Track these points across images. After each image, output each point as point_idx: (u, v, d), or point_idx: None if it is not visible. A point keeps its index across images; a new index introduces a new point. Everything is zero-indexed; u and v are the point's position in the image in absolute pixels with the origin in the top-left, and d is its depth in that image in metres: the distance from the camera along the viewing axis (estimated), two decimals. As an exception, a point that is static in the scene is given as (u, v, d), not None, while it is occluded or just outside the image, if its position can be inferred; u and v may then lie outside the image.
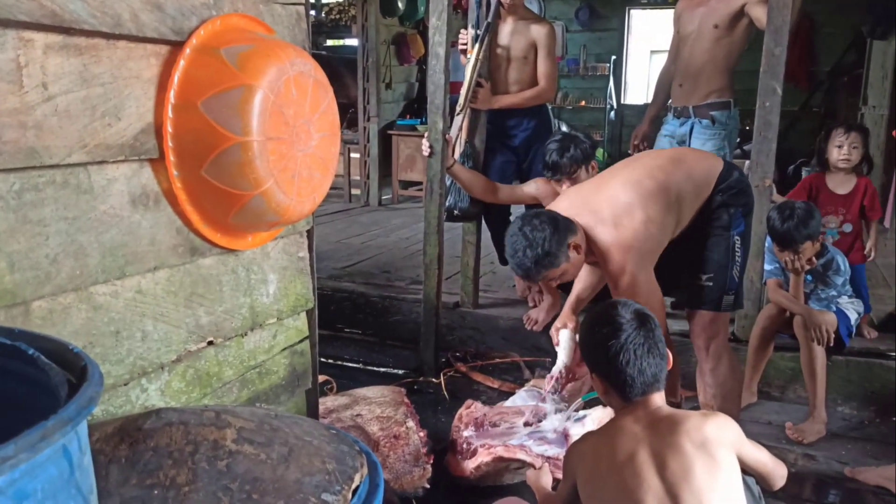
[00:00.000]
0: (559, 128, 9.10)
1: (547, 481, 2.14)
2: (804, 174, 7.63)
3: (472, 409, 2.77)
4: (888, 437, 3.14)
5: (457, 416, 2.78)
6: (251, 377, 1.83)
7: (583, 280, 2.83)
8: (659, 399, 1.76)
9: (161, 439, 1.13)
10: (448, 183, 3.71)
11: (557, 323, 2.73)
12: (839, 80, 8.73)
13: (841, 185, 3.41)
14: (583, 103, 9.68)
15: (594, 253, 2.50)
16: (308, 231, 2.02)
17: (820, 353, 3.07)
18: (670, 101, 4.16)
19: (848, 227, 3.46)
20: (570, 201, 2.63)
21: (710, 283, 2.56)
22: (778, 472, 1.80)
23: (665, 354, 1.78)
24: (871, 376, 3.35)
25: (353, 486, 1.20)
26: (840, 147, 3.35)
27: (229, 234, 1.68)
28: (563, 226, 2.45)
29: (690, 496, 1.58)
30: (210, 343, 1.67)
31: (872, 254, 3.38)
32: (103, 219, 1.40)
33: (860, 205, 3.42)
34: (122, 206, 1.43)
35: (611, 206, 2.50)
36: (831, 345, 3.08)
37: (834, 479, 2.77)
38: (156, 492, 1.05)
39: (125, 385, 1.44)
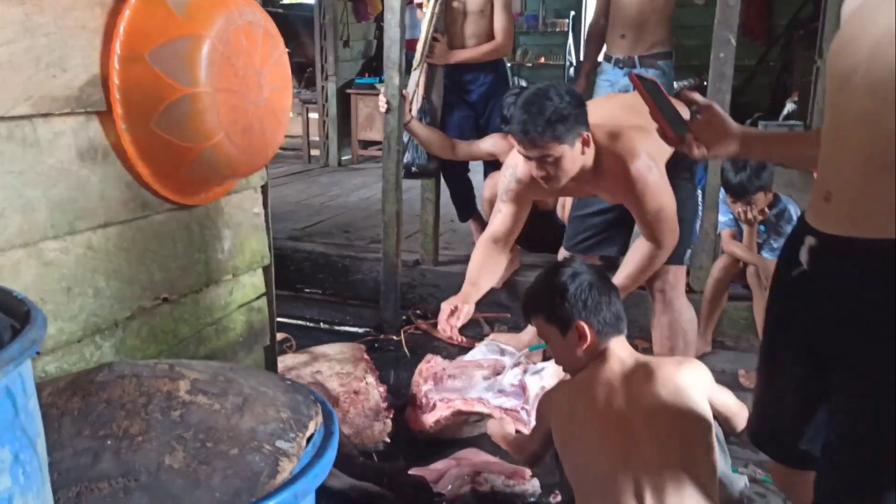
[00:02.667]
0: (517, 84, 9.08)
1: (510, 429, 2.17)
2: (760, 128, 7.75)
3: (432, 363, 2.80)
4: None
5: (417, 370, 2.82)
6: (208, 334, 1.83)
7: (476, 265, 2.79)
8: (625, 344, 1.80)
9: (114, 391, 1.13)
10: (406, 139, 3.69)
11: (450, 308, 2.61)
12: (796, 34, 8.80)
13: None
14: (542, 60, 9.65)
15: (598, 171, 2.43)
16: (263, 187, 2.01)
17: None
18: (605, 52, 4.20)
19: None
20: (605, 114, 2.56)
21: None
22: (741, 416, 1.87)
23: (619, 295, 1.84)
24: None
25: (308, 434, 1.22)
26: None
27: (181, 190, 1.66)
28: (583, 114, 2.33)
29: (665, 443, 1.63)
30: (165, 300, 1.67)
31: None
32: (51, 173, 1.38)
33: None
34: (70, 160, 1.41)
35: (619, 118, 2.48)
36: None
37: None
38: (109, 442, 1.05)
39: (79, 342, 1.44)
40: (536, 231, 2.69)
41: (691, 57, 9.27)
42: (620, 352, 1.77)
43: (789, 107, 8.82)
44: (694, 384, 1.72)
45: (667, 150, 2.33)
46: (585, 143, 2.32)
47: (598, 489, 1.65)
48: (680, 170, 2.56)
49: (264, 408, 1.22)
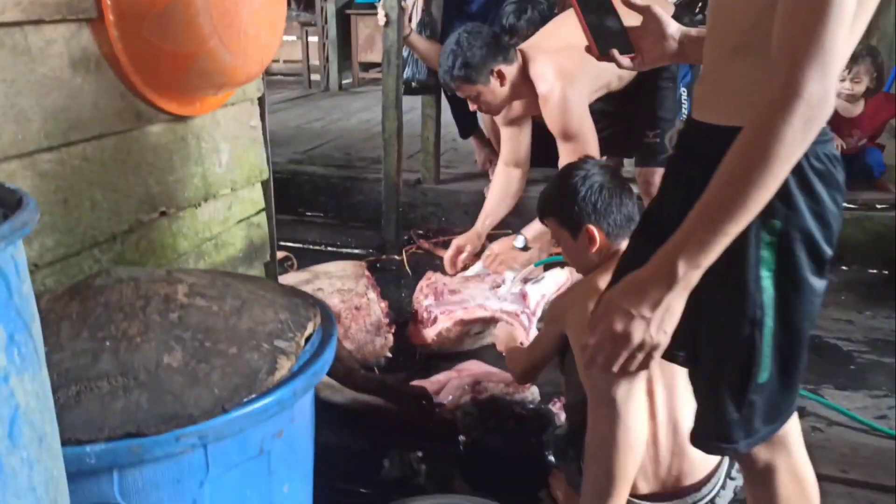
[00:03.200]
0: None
1: (518, 334, 2.18)
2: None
3: (433, 279, 2.81)
4: (835, 284, 3.25)
5: (417, 287, 2.83)
6: (207, 249, 1.83)
7: (493, 196, 2.88)
8: None
9: (112, 295, 1.14)
10: (405, 54, 3.62)
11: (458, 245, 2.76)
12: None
13: (849, 108, 3.36)
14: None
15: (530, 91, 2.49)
16: (259, 98, 1.98)
17: None
18: None
19: (863, 143, 3.43)
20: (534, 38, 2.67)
21: (657, 140, 2.56)
22: None
23: (633, 195, 1.84)
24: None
25: (307, 334, 1.23)
26: (843, 80, 3.28)
27: (176, 99, 1.63)
28: (497, 48, 2.49)
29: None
30: (163, 213, 1.66)
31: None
32: (43, 82, 1.35)
33: (872, 125, 3.36)
34: (63, 68, 1.38)
35: (550, 41, 2.56)
36: None
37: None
38: (107, 343, 1.06)
39: (77, 255, 1.44)
40: (538, 145, 2.67)
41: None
42: None
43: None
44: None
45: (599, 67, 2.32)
46: (499, 76, 2.49)
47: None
48: (659, 70, 2.53)
49: (263, 309, 1.23)
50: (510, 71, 2.51)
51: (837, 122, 3.39)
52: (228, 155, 1.85)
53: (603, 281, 1.74)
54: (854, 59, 3.24)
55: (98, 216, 1.48)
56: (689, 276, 1.02)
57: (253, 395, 1.07)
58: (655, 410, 1.64)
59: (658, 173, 2.62)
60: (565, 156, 2.48)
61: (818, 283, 1.15)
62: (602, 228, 1.78)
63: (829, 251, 1.14)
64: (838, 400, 2.37)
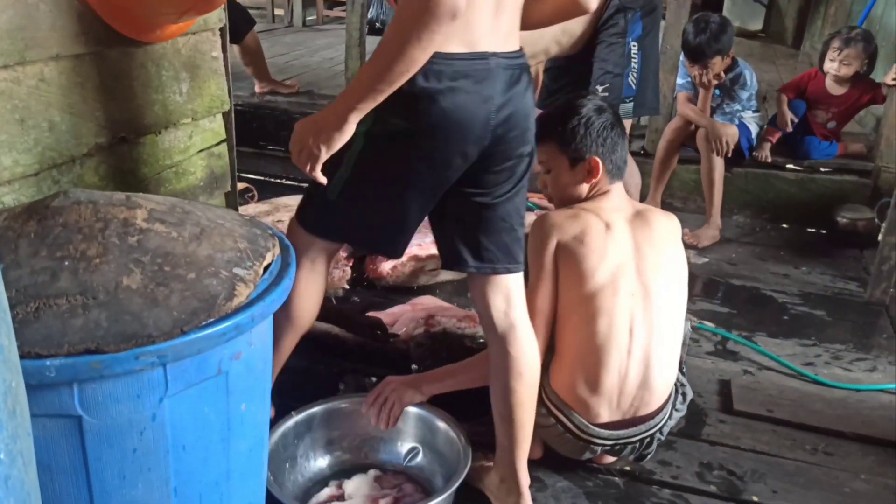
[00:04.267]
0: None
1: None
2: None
3: None
4: (776, 241, 3.38)
5: None
6: (167, 176, 1.81)
7: None
8: (623, 190, 1.84)
9: (70, 216, 1.13)
10: (370, -7, 3.55)
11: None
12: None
13: (835, 87, 3.38)
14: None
15: None
16: (221, 29, 1.93)
17: (719, 163, 3.22)
18: None
19: (832, 125, 3.47)
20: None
21: (606, 94, 2.58)
22: None
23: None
24: (766, 186, 3.52)
25: (265, 263, 1.23)
26: (832, 61, 3.30)
27: (135, 25, 1.59)
28: None
29: (658, 288, 1.71)
30: (123, 139, 1.64)
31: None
32: (-4, -1, 1.30)
33: (849, 107, 3.41)
34: (17, -15, 1.33)
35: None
36: (730, 156, 3.21)
37: (722, 278, 2.98)
38: (66, 263, 1.06)
39: (35, 175, 1.41)
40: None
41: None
42: (621, 195, 1.82)
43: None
44: (677, 234, 1.82)
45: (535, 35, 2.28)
46: None
47: (592, 316, 1.69)
48: (608, 25, 2.56)
49: (222, 238, 1.23)
50: None
51: (816, 95, 3.44)
52: (189, 84, 1.82)
53: (602, 213, 1.75)
54: (847, 42, 3.26)
55: (56, 138, 1.45)
56: (353, 119, 1.31)
57: (211, 319, 1.09)
58: (633, 346, 1.69)
59: None
60: None
61: None
62: (604, 164, 1.78)
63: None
64: (770, 347, 2.48)
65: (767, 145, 3.41)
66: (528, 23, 1.53)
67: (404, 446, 1.85)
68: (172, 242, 1.16)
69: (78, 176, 1.52)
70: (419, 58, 1.24)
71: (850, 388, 2.25)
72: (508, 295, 1.55)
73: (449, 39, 1.28)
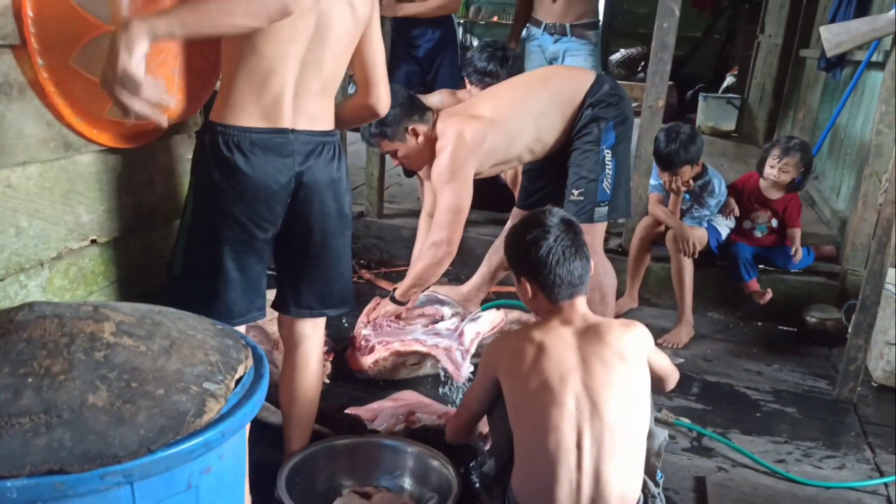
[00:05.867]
0: (470, 42, 9.00)
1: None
2: (700, 100, 7.91)
3: (378, 307, 2.81)
4: (748, 338, 3.41)
5: (363, 312, 2.83)
6: (142, 277, 1.80)
7: (418, 246, 2.96)
8: (583, 304, 1.83)
9: (34, 331, 1.11)
10: (351, 92, 3.64)
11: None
12: (741, 7, 8.87)
13: (771, 191, 3.51)
14: (495, 18, 9.59)
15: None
16: (198, 132, 1.96)
17: (688, 264, 3.28)
18: (536, 15, 4.14)
19: (775, 223, 3.59)
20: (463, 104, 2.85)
21: (582, 198, 2.65)
22: (674, 377, 1.97)
23: (589, 258, 1.84)
24: (739, 286, 3.57)
25: (237, 376, 1.22)
26: (772, 167, 3.44)
27: (107, 131, 1.60)
28: (412, 108, 2.64)
29: (608, 403, 1.69)
30: (94, 241, 1.63)
31: (798, 255, 3.47)
32: (-38, 107, 1.32)
33: (782, 211, 3.54)
34: (-17, 95, 1.35)
35: (468, 109, 2.72)
36: (695, 257, 3.28)
37: (697, 375, 2.99)
38: (30, 380, 1.04)
39: (1, 280, 1.40)
40: (478, 191, 2.74)
41: (639, 25, 9.31)
42: (573, 311, 1.80)
43: (729, 80, 9.00)
44: (637, 346, 1.79)
45: (507, 143, 2.65)
46: (414, 134, 2.64)
47: (540, 432, 1.69)
48: (582, 134, 2.66)
49: (192, 350, 1.21)
50: (424, 129, 2.64)
51: (755, 198, 3.55)
52: (164, 187, 1.83)
53: (540, 332, 1.78)
54: (786, 151, 3.40)
55: (24, 242, 1.44)
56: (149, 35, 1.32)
57: (180, 437, 1.06)
58: (582, 462, 1.67)
59: (584, 228, 2.70)
60: (436, 222, 2.63)
61: None
62: (538, 285, 1.80)
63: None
64: (743, 443, 2.47)
65: (759, 295, 3.47)
66: (337, 123, 1.80)
67: (406, 481, 2.02)
68: (141, 357, 1.14)
69: (46, 279, 1.50)
70: (231, 24, 1.41)
71: (819, 485, 2.27)
72: (317, 328, 1.92)
73: (252, 115, 1.58)
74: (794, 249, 3.45)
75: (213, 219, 1.62)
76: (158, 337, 1.20)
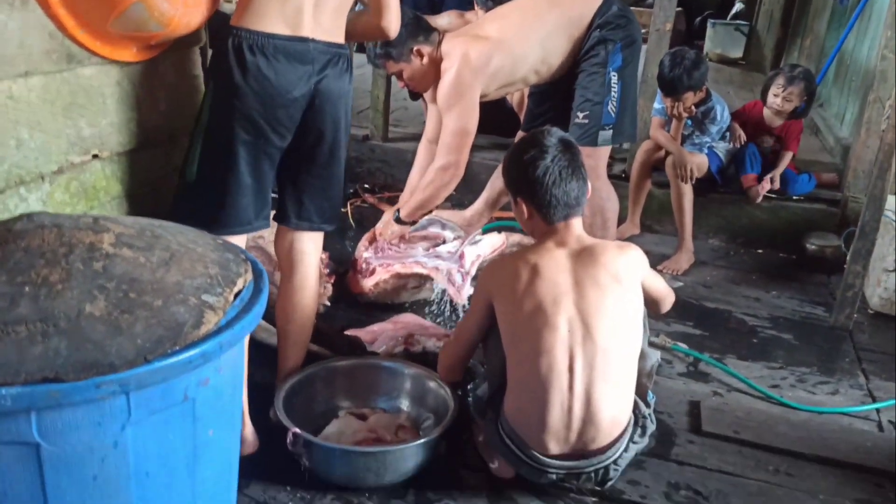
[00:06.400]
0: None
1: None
2: (709, 26, 7.66)
3: (383, 228, 2.77)
4: (748, 265, 3.38)
5: (364, 237, 2.80)
6: (142, 194, 1.75)
7: (415, 172, 2.88)
8: (578, 225, 1.78)
9: (33, 240, 1.07)
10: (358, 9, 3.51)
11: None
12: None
13: (774, 119, 3.43)
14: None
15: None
16: (201, 48, 1.89)
17: (687, 190, 3.23)
18: None
19: (775, 147, 3.51)
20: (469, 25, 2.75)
21: (587, 121, 2.58)
22: (669, 299, 1.94)
23: (587, 180, 1.78)
24: (740, 213, 3.53)
25: (236, 290, 1.19)
26: (776, 95, 3.36)
27: (110, 43, 1.54)
28: (417, 29, 2.54)
29: (600, 326, 1.67)
30: (95, 156, 1.58)
31: (776, 182, 3.39)
32: (-38, 16, 1.25)
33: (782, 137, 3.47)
34: (-17, 3, 1.28)
35: (473, 30, 2.62)
36: (693, 183, 3.23)
37: (696, 301, 2.97)
38: (27, 289, 1.01)
39: (1, 193, 1.36)
40: (483, 115, 2.66)
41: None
42: (568, 233, 1.76)
43: (738, 6, 8.70)
44: (631, 268, 1.76)
45: (512, 64, 2.55)
46: (419, 55, 2.56)
47: (532, 354, 1.68)
48: (589, 56, 2.57)
49: (192, 263, 1.18)
50: (429, 50, 2.56)
51: (756, 125, 3.48)
52: (167, 103, 1.77)
53: (536, 254, 1.75)
54: (791, 80, 3.33)
55: (24, 155, 1.40)
56: None
57: (177, 347, 1.04)
58: (574, 384, 1.66)
59: (587, 151, 2.63)
60: (441, 145, 2.56)
61: None
62: (534, 206, 1.75)
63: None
64: (739, 369, 2.46)
65: (754, 190, 3.41)
66: (347, 36, 1.81)
67: (404, 402, 2.02)
68: (140, 268, 1.11)
69: (47, 193, 1.46)
70: None
71: (812, 410, 2.26)
72: (315, 245, 1.92)
73: (275, 23, 1.60)
74: (775, 172, 3.39)
75: (231, 121, 1.61)
76: (158, 249, 1.17)
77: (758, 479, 1.92)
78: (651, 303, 1.88)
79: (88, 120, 1.54)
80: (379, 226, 2.79)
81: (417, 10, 3.67)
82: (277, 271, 2.39)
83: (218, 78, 1.62)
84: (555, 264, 1.71)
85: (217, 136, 1.63)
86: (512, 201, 1.83)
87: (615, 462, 1.74)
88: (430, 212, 2.84)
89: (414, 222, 2.70)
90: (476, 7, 3.35)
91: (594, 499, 1.80)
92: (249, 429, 1.76)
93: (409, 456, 1.75)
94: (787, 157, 3.41)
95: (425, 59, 2.56)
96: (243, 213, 1.70)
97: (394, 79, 3.92)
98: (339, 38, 1.74)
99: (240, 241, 1.72)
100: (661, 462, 1.96)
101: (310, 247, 1.90)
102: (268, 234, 2.55)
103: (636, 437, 1.79)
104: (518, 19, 2.59)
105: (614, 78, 2.55)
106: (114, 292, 1.05)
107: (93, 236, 1.11)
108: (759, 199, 3.38)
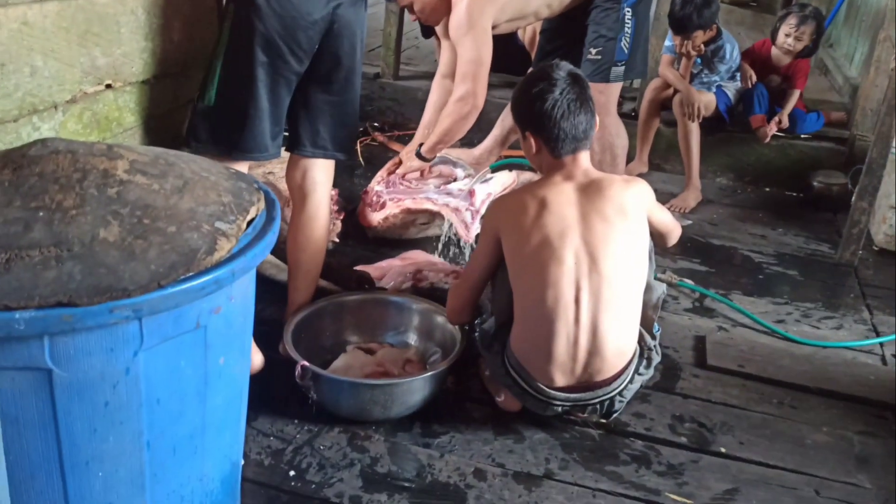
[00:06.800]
0: None
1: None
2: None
3: (403, 163, 2.72)
4: (755, 203, 3.34)
5: (384, 168, 2.74)
6: (154, 126, 1.71)
7: (433, 99, 2.78)
8: (586, 159, 1.74)
9: (47, 166, 1.04)
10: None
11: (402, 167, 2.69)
12: None
13: (782, 58, 3.34)
14: None
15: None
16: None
17: (694, 128, 3.17)
18: None
19: (781, 85, 3.43)
20: None
21: (599, 57, 2.49)
22: (675, 232, 1.90)
23: (595, 113, 1.74)
24: (747, 151, 3.47)
25: (249, 218, 1.16)
26: (787, 35, 3.26)
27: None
28: None
29: (606, 258, 1.64)
30: (108, 86, 1.54)
31: (784, 121, 3.32)
32: (-27, -63, 1.20)
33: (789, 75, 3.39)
34: (-4, -76, 1.23)
35: None
36: (699, 121, 3.17)
37: (702, 238, 2.93)
38: (41, 213, 0.98)
39: (14, 121, 1.32)
40: (495, 52, 2.57)
41: None
42: (575, 166, 1.72)
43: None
44: (637, 201, 1.72)
45: None
46: None
47: (539, 287, 1.66)
48: None
49: (205, 191, 1.15)
50: None
51: (764, 64, 3.40)
52: (181, 34, 1.71)
53: (544, 188, 1.71)
54: (803, 20, 3.25)
55: (38, 83, 1.35)
56: None
57: (190, 273, 1.02)
58: (580, 316, 1.64)
59: (598, 88, 2.55)
60: (457, 76, 2.45)
61: None
62: (542, 139, 1.71)
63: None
64: (744, 304, 2.44)
65: (763, 131, 3.33)
66: None
67: (411, 337, 2.01)
68: (153, 195, 1.08)
69: (60, 123, 1.42)
70: None
71: (816, 344, 2.24)
72: (328, 175, 1.89)
73: None
74: (783, 112, 3.31)
75: (252, 42, 1.59)
76: (172, 176, 1.14)
77: (762, 412, 1.92)
78: (657, 236, 1.85)
79: (103, 49, 1.49)
80: (388, 165, 2.74)
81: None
82: (287, 208, 2.37)
83: (239, 0, 1.59)
84: (563, 198, 1.68)
85: (237, 58, 1.61)
86: (520, 136, 1.79)
87: (620, 393, 1.74)
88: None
89: (433, 158, 2.64)
90: None
91: (599, 431, 1.80)
92: (255, 349, 1.75)
93: (415, 389, 1.74)
94: (795, 95, 3.33)
95: None
96: (261, 137, 1.68)
97: (406, 16, 3.84)
98: None
99: (244, 168, 1.69)
100: (665, 395, 1.95)
101: (322, 176, 1.87)
102: (278, 170, 2.52)
103: (641, 369, 1.78)
104: None
105: (628, 14, 2.46)
106: (127, 218, 1.03)
107: (107, 163, 1.08)
108: (768, 140, 3.31)
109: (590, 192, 1.69)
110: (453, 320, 1.91)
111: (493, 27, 2.48)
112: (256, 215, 1.19)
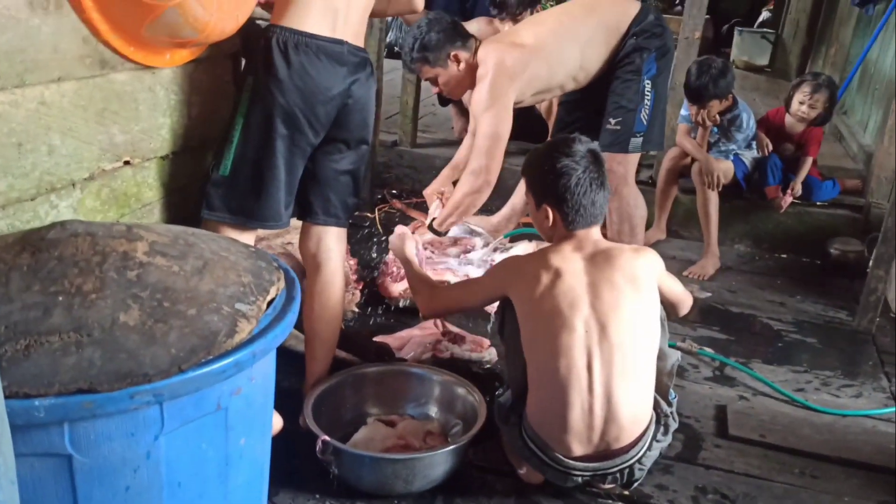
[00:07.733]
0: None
1: (410, 247, 2.10)
2: (736, 34, 7.58)
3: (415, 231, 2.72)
4: (773, 270, 3.31)
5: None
6: (174, 201, 1.72)
7: (464, 149, 2.80)
8: (596, 232, 1.77)
9: (66, 249, 1.04)
10: (389, 18, 3.48)
11: (431, 187, 2.77)
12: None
13: (796, 125, 3.38)
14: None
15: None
16: (234, 54, 1.85)
17: (713, 196, 3.18)
18: None
19: (794, 154, 3.46)
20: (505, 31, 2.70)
21: (619, 127, 2.52)
22: (686, 302, 1.90)
23: (609, 190, 1.77)
24: (765, 218, 3.47)
25: (269, 298, 1.14)
26: (801, 103, 3.31)
27: (144, 49, 1.50)
28: (455, 34, 2.50)
29: (616, 325, 1.63)
30: (127, 163, 1.55)
31: (797, 189, 3.32)
32: (-4, 20, 1.21)
33: (802, 143, 3.41)
34: (18, 7, 1.24)
35: (509, 37, 2.56)
36: (719, 190, 3.17)
37: (722, 306, 2.90)
38: (60, 298, 0.97)
39: (32, 200, 1.32)
40: (518, 121, 2.61)
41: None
42: (587, 238, 1.74)
43: (764, 15, 8.61)
44: (647, 270, 1.73)
45: (549, 72, 2.52)
46: (455, 60, 2.51)
47: (551, 356, 1.65)
48: (624, 63, 2.53)
49: (225, 271, 1.14)
50: (466, 56, 2.51)
51: (778, 132, 3.42)
52: (199, 109, 1.73)
53: (556, 258, 1.71)
54: (816, 88, 3.29)
55: (56, 161, 1.36)
56: None
57: (211, 357, 1.00)
58: (593, 384, 1.63)
59: (617, 158, 2.57)
60: (474, 149, 2.49)
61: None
62: (559, 213, 1.73)
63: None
64: (764, 373, 2.41)
65: (778, 202, 3.34)
66: (376, 13, 1.87)
67: (432, 409, 1.98)
68: (173, 277, 1.07)
69: (78, 200, 1.42)
70: None
71: (836, 413, 2.21)
72: (341, 242, 1.91)
73: (317, 24, 1.64)
74: (796, 180, 3.31)
75: (272, 115, 1.63)
76: (191, 257, 1.13)
77: (783, 482, 1.89)
78: (669, 305, 1.85)
79: (121, 126, 1.50)
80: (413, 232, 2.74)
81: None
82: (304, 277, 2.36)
83: (260, 73, 1.64)
84: (573, 267, 1.69)
85: (256, 129, 1.64)
86: (533, 206, 1.80)
87: (639, 461, 1.70)
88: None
89: (446, 232, 2.65)
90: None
91: (622, 503, 1.75)
92: (275, 414, 1.72)
93: (438, 462, 1.70)
94: (808, 163, 3.34)
95: (462, 65, 2.51)
96: (276, 206, 1.70)
97: (423, 84, 3.91)
98: (363, 42, 1.79)
99: (249, 238, 1.72)
100: (687, 466, 1.92)
101: (336, 244, 1.89)
102: (296, 241, 2.52)
103: (659, 436, 1.75)
104: (555, 26, 2.55)
105: (648, 86, 2.50)
106: (147, 301, 1.01)
107: (126, 244, 1.08)
108: (784, 210, 3.31)
109: (599, 261, 1.70)
110: (424, 314, 2.01)
111: (518, 102, 2.52)
112: (276, 295, 1.18)
